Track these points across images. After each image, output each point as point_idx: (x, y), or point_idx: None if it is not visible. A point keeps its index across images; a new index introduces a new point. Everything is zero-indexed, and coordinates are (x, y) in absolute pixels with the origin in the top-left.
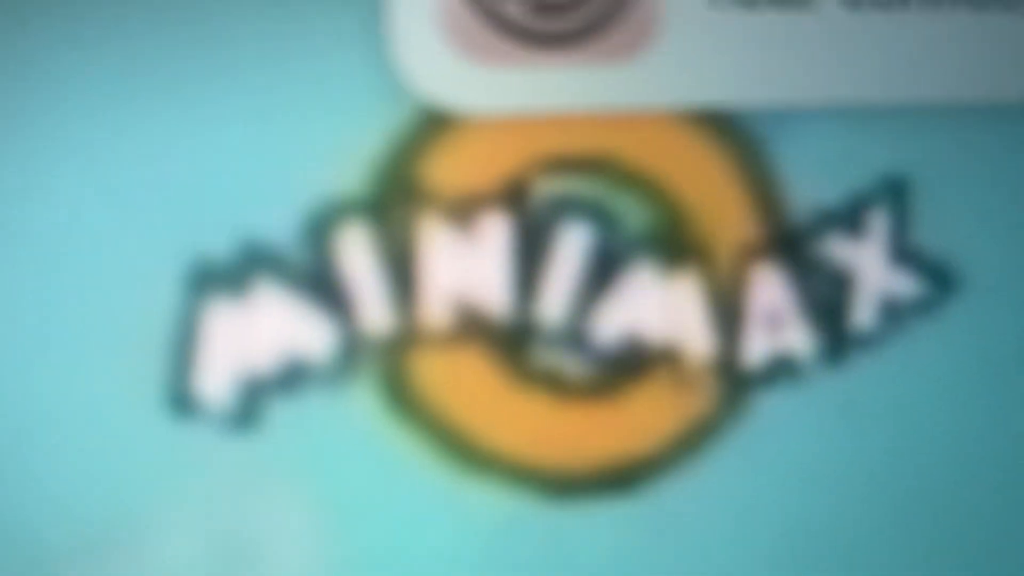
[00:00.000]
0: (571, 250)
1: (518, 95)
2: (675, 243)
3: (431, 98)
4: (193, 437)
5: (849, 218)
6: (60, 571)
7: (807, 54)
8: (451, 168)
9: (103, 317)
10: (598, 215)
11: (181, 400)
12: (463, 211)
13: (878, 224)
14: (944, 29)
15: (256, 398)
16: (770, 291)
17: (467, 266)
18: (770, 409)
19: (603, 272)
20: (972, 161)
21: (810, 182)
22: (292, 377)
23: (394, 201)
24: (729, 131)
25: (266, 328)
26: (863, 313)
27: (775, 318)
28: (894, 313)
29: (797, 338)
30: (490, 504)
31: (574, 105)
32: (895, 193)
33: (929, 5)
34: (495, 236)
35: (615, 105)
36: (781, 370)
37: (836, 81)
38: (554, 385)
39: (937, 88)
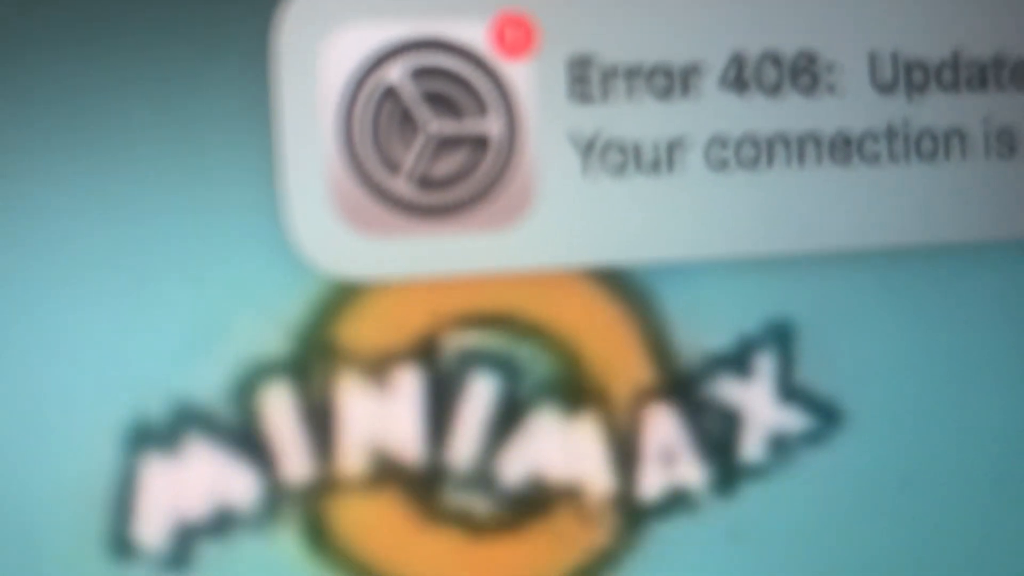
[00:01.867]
0: (479, 398)
1: (408, 264)
2: (575, 389)
3: (327, 269)
4: None
5: (737, 360)
6: None
7: (678, 214)
8: (365, 329)
9: (48, 471)
10: (503, 366)
11: (121, 545)
12: (378, 368)
13: (765, 365)
14: (809, 183)
15: (189, 542)
16: (664, 430)
17: (382, 417)
18: (666, 539)
19: (509, 418)
20: (851, 304)
21: (699, 328)
22: (221, 523)
23: (313, 361)
24: (621, 285)
25: (197, 479)
26: (752, 447)
27: (669, 454)
28: (782, 446)
29: (690, 472)
30: None
31: (461, 271)
32: (781, 336)
33: (792, 162)
34: (408, 389)
35: (499, 269)
36: (676, 502)
37: (708, 237)
38: (464, 523)
39: (809, 238)
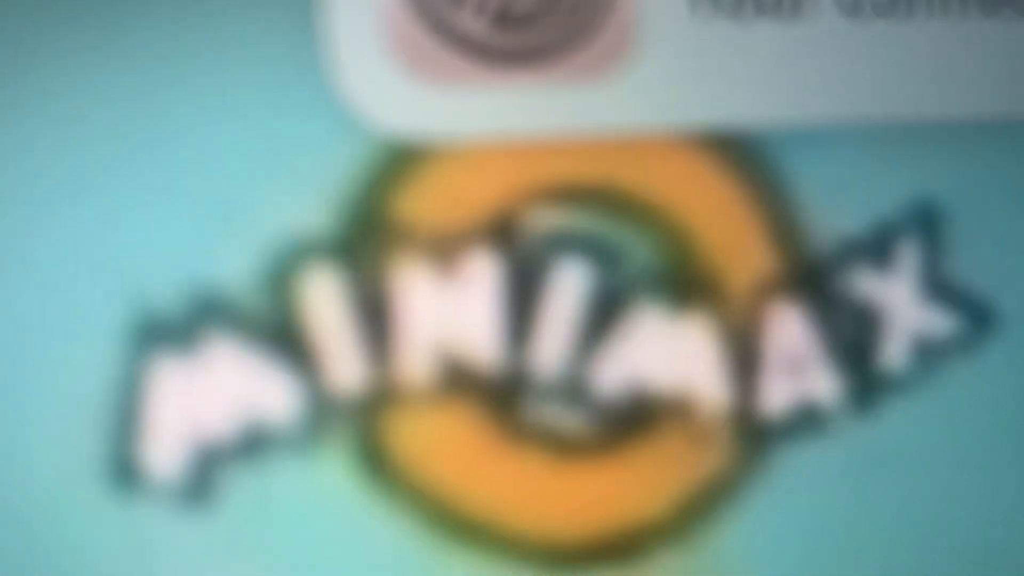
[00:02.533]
0: (567, 291)
1: (480, 121)
2: (684, 280)
3: (380, 126)
4: (138, 515)
5: (876, 249)
6: None
7: (802, 66)
8: (428, 201)
9: (34, 376)
10: (597, 250)
11: (124, 471)
12: (443, 250)
13: (908, 255)
14: (956, 37)
15: (211, 469)
16: (790, 332)
17: (450, 312)
18: (792, 465)
19: (604, 315)
20: (1009, 184)
21: (831, 209)
22: (252, 444)
23: (364, 241)
24: (741, 155)
25: (221, 387)
26: (893, 354)
27: (796, 362)
28: (927, 353)
29: (821, 384)
30: None
31: (545, 130)
32: (925, 221)
33: (935, 9)
34: (481, 277)
35: (591, 129)
36: (804, 420)
37: (840, 96)
38: (550, 444)
39: (959, 104)
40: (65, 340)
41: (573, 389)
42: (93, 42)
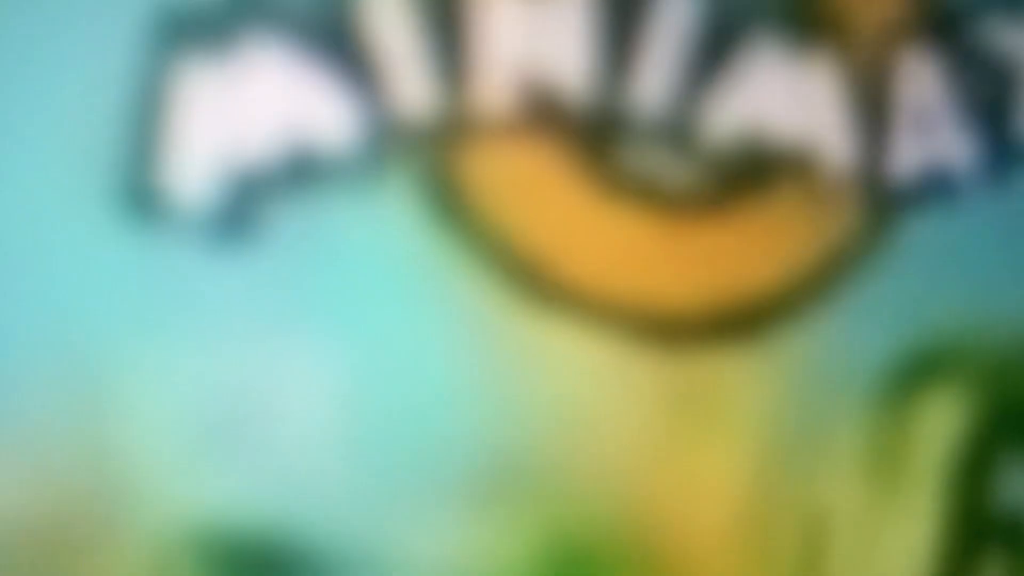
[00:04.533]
0: (674, 17)
1: None
2: (806, 14)
3: None
4: (161, 249)
5: None
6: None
7: None
8: None
9: (38, 80)
10: None
11: (145, 197)
12: None
13: None
14: None
15: (249, 198)
16: (920, 82)
17: (537, 28)
18: (921, 235)
19: (716, 46)
20: None
21: None
22: (299, 171)
23: None
24: None
25: (263, 99)
26: None
27: (926, 117)
28: None
29: (952, 145)
30: (566, 350)
31: None
32: None
33: None
34: None
35: None
36: (933, 185)
37: None
38: (650, 196)
39: None
40: (77, 34)
41: (677, 133)
42: None
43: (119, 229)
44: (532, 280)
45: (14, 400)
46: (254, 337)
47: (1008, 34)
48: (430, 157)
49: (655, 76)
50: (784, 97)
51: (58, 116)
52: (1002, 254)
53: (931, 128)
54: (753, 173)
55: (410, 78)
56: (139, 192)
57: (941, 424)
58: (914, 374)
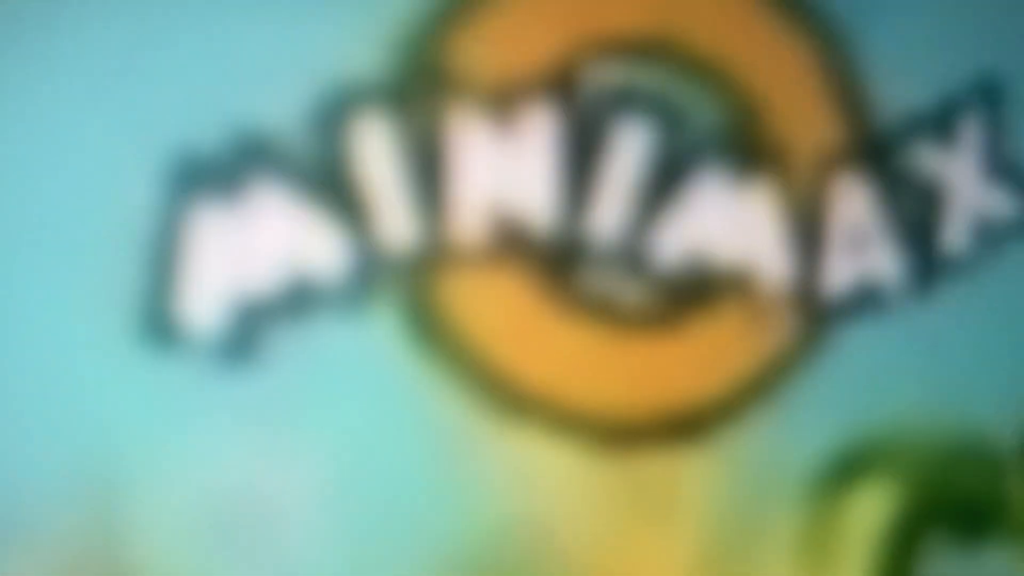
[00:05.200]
0: (628, 151)
1: None
2: (748, 145)
3: None
4: (174, 372)
5: (939, 124)
6: (31, 528)
7: None
8: (486, 49)
9: (66, 220)
10: (660, 109)
11: (160, 325)
12: (501, 100)
13: (971, 131)
14: None
15: (253, 325)
16: (854, 205)
17: (506, 168)
18: (852, 344)
19: (665, 179)
20: None
21: (897, 80)
22: (297, 299)
23: (419, 87)
24: (811, 17)
25: (266, 237)
26: (955, 234)
27: (859, 237)
28: (989, 234)
29: (883, 261)
30: (533, 454)
31: None
32: (989, 96)
33: None
34: (539, 132)
35: None
36: (865, 299)
37: None
38: (607, 314)
39: None
40: (99, 181)
41: (631, 257)
42: None
43: (138, 353)
44: (500, 392)
45: (39, 509)
46: (257, 447)
47: (934, 159)
48: (411, 284)
49: (610, 207)
50: (726, 222)
51: (86, 252)
52: (927, 361)
53: (863, 246)
54: (699, 291)
55: (394, 215)
56: (156, 320)
57: (871, 516)
58: (846, 471)
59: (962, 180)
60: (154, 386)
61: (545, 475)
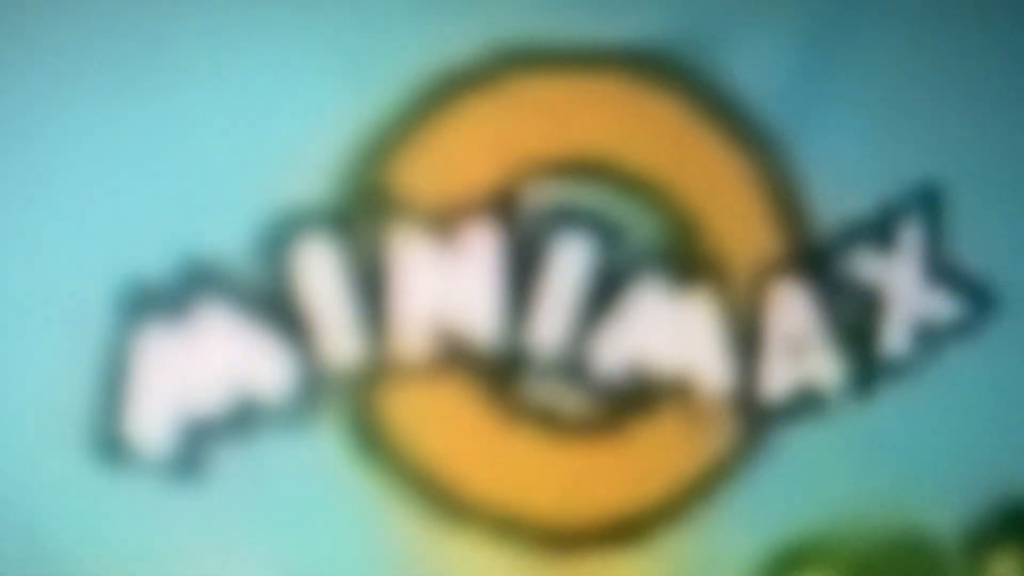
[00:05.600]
0: (568, 267)
1: None
2: (686, 258)
3: None
4: (126, 489)
5: (879, 231)
6: None
7: None
8: (428, 172)
9: (18, 344)
10: (598, 226)
11: (111, 444)
12: (442, 222)
13: (910, 238)
14: None
15: (200, 443)
16: (792, 313)
17: (448, 285)
18: (792, 447)
19: (604, 292)
20: (1011, 167)
21: (836, 190)
22: (243, 418)
23: (362, 210)
24: (747, 127)
25: (212, 359)
26: (894, 337)
27: (797, 344)
28: (929, 337)
29: (822, 366)
30: (477, 561)
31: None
32: (928, 203)
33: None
34: (480, 250)
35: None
36: (804, 402)
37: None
38: (549, 423)
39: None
40: (52, 307)
41: (572, 367)
42: (87, 6)
43: (89, 469)
44: (443, 500)
45: None
46: (205, 560)
47: (874, 264)
48: (355, 400)
49: (551, 319)
50: (666, 331)
51: (39, 376)
52: (866, 461)
53: (802, 352)
54: (639, 399)
55: (338, 333)
56: (106, 438)
57: None
58: (786, 569)
59: (902, 284)
60: (105, 502)
61: None
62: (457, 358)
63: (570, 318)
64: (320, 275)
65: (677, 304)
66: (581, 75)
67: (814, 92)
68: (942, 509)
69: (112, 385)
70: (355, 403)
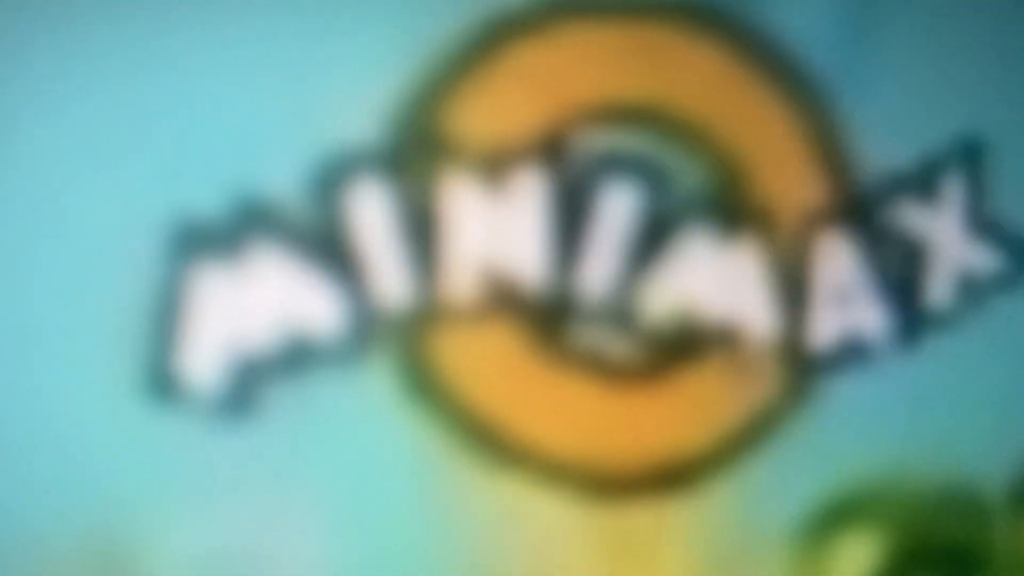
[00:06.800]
0: (616, 213)
1: None
2: (732, 206)
3: None
4: (177, 427)
5: (922, 183)
6: None
7: None
8: (479, 117)
9: (69, 284)
10: (646, 173)
11: (164, 383)
12: (492, 166)
13: (953, 191)
14: None
15: (252, 382)
16: (837, 263)
17: (498, 229)
18: (837, 397)
19: (652, 238)
20: None
21: (880, 141)
22: (294, 357)
23: (414, 153)
24: (795, 79)
25: (264, 298)
26: (939, 289)
27: (843, 293)
28: (972, 289)
29: (867, 316)
30: (524, 505)
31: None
32: (971, 157)
33: None
34: (530, 195)
35: None
36: (849, 352)
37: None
38: (597, 368)
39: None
40: (106, 246)
41: (619, 313)
42: None
43: (142, 408)
44: (491, 443)
45: (44, 560)
46: (254, 499)
47: (917, 216)
48: (406, 341)
49: (599, 264)
50: (713, 279)
51: (92, 314)
52: (912, 412)
53: (847, 302)
54: (686, 346)
55: (389, 275)
56: (158, 377)
57: (857, 564)
58: (832, 519)
59: (945, 237)
60: (156, 440)
61: (534, 524)
62: (506, 302)
63: (617, 264)
64: (371, 217)
65: (723, 251)
66: (631, 23)
67: (861, 43)
68: (987, 459)
69: (165, 323)
70: (405, 344)
